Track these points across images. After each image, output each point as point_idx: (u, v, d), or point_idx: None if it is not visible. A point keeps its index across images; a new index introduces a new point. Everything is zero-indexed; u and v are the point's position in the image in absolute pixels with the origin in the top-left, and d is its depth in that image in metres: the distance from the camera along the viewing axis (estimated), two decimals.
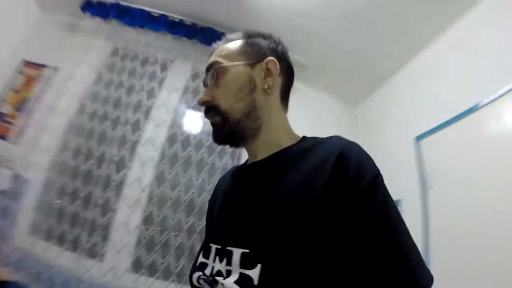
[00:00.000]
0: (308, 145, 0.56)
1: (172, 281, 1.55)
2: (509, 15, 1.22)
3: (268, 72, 0.62)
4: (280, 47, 0.66)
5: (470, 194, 1.18)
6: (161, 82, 1.92)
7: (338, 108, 2.29)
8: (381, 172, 0.47)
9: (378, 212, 0.42)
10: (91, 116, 1.76)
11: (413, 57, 1.78)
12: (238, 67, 0.61)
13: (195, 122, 1.91)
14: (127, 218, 1.59)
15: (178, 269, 1.56)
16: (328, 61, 1.99)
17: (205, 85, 0.65)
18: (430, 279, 0.42)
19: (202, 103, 0.62)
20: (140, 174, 1.70)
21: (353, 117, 2.28)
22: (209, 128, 0.63)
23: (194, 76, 1.98)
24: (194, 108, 1.93)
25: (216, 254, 0.52)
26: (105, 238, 1.55)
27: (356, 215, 0.42)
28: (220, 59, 0.62)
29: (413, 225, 0.48)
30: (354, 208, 0.43)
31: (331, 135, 0.56)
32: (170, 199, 1.66)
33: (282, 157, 0.57)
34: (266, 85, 0.61)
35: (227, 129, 0.59)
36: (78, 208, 1.57)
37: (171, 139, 1.81)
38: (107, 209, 1.59)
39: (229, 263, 0.47)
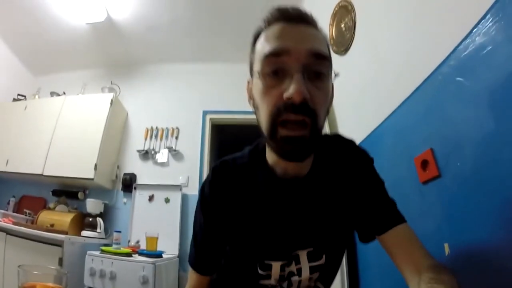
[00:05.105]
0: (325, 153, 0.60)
1: None
2: None
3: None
4: None
5: None
6: None
7: None
8: None
9: (381, 188, 0.62)
10: None
11: None
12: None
13: None
14: None
15: None
16: None
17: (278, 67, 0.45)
18: None
19: (301, 100, 0.42)
20: None
21: None
22: None
23: None
24: None
25: (283, 265, 0.60)
26: None
27: (369, 195, 0.60)
28: (327, 56, 0.47)
29: None
30: (368, 191, 0.60)
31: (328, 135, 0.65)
32: None
33: (319, 172, 0.58)
34: (329, 108, 0.52)
35: (310, 149, 0.49)
36: None
37: None
38: None
39: (298, 263, 0.60)
